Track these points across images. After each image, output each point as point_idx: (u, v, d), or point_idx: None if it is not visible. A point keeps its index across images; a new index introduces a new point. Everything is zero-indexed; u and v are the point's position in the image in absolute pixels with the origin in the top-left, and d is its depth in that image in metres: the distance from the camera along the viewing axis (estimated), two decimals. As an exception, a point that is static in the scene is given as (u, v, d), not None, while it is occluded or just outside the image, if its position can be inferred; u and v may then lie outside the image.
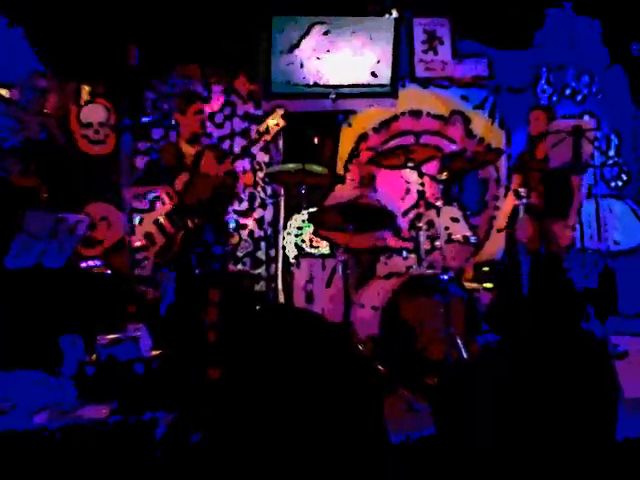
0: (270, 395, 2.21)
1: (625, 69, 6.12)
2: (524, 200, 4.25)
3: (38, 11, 5.18)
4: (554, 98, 6.16)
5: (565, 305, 4.07)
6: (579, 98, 6.19)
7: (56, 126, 5.34)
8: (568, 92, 6.20)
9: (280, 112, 4.00)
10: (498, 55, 5.97)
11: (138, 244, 4.06)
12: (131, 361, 3.18)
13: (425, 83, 5.97)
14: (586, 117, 6.02)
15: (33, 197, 4.42)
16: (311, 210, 4.72)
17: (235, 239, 5.64)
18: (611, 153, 6.19)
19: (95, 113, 5.51)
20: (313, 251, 5.01)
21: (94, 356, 3.25)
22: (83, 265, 4.15)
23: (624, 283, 5.22)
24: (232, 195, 4.42)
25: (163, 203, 4.07)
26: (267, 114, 4.27)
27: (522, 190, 4.31)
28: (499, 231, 5.07)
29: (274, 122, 3.99)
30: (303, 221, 5.38)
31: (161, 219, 4.03)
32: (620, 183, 6.17)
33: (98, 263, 4.13)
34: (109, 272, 4.04)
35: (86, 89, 5.53)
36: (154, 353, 3.34)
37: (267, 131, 4.00)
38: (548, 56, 6.08)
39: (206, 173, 4.05)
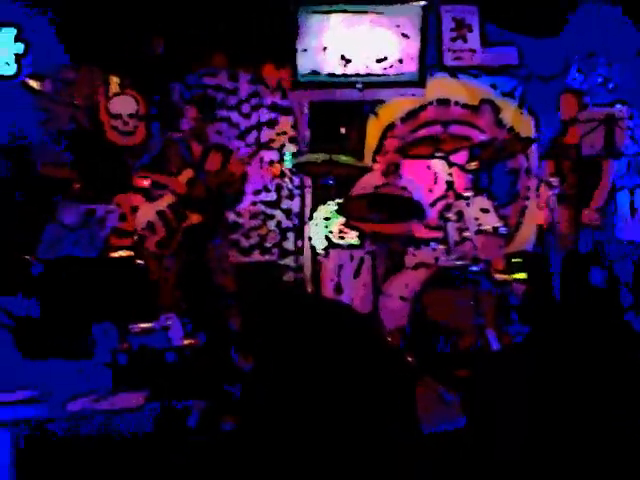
0: (301, 385, 2.22)
1: (657, 57, 5.99)
2: (556, 190, 4.19)
3: (67, 3, 5.24)
4: (585, 86, 6.05)
5: (599, 298, 4.02)
6: (611, 86, 6.07)
7: (85, 117, 5.41)
8: (600, 80, 6.08)
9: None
10: (528, 43, 5.87)
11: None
12: (163, 350, 3.22)
13: (454, 72, 5.91)
14: (618, 105, 5.91)
15: (65, 188, 4.49)
16: (338, 200, 4.71)
17: (263, 230, 5.67)
18: (644, 142, 6.08)
19: (124, 104, 5.54)
20: (341, 242, 5.00)
21: (126, 345, 3.30)
22: (114, 255, 4.21)
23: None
24: (237, 193, 4.50)
25: (162, 195, 4.13)
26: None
27: (554, 180, 4.24)
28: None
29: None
30: (331, 212, 5.38)
31: (165, 210, 4.10)
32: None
33: (129, 253, 4.19)
34: (140, 262, 4.09)
35: (115, 80, 5.57)
36: (185, 342, 3.38)
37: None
38: (579, 44, 5.97)
39: (210, 170, 4.15)
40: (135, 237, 4.11)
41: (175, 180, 4.18)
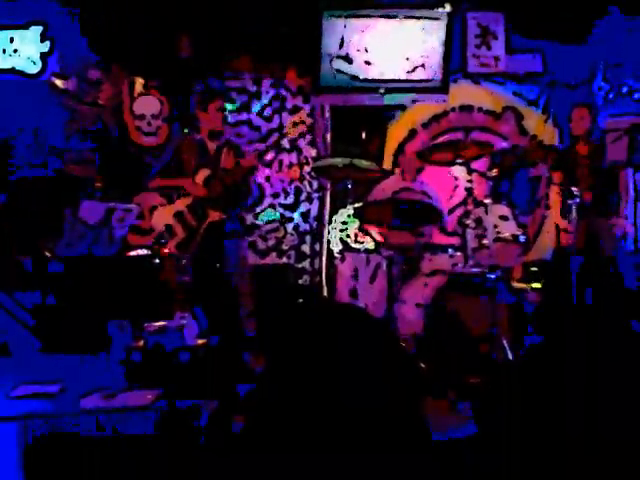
0: (311, 387, 2.22)
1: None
2: (576, 199, 4.14)
3: (94, 3, 5.30)
4: (610, 95, 5.96)
5: (615, 306, 3.96)
6: (637, 96, 5.98)
7: (110, 117, 5.47)
8: (625, 90, 6.00)
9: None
10: (553, 50, 5.81)
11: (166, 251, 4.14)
12: (176, 349, 3.24)
13: (477, 78, 5.86)
14: (644, 115, 5.81)
15: (87, 186, 4.53)
16: (356, 205, 4.71)
17: (280, 232, 5.68)
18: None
19: (148, 105, 5.59)
20: (358, 246, 4.99)
21: (141, 342, 3.33)
22: (132, 253, 4.24)
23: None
24: (246, 191, 4.48)
25: (180, 196, 4.14)
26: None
27: (575, 189, 4.20)
28: None
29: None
30: (349, 216, 5.37)
31: (183, 211, 4.10)
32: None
33: (146, 252, 4.21)
34: (157, 261, 4.11)
35: (140, 81, 5.62)
36: (199, 342, 3.40)
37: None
38: (605, 53, 5.89)
39: (226, 168, 4.15)
40: (153, 240, 4.13)
41: (191, 181, 4.18)
